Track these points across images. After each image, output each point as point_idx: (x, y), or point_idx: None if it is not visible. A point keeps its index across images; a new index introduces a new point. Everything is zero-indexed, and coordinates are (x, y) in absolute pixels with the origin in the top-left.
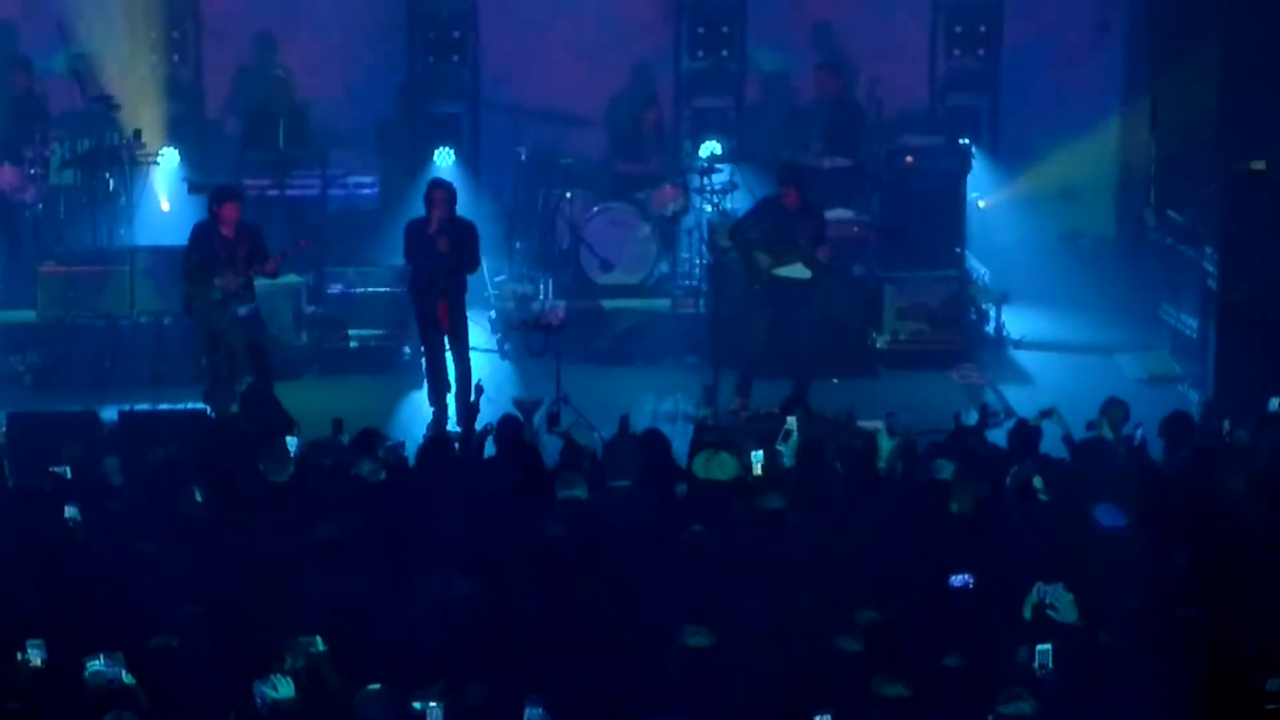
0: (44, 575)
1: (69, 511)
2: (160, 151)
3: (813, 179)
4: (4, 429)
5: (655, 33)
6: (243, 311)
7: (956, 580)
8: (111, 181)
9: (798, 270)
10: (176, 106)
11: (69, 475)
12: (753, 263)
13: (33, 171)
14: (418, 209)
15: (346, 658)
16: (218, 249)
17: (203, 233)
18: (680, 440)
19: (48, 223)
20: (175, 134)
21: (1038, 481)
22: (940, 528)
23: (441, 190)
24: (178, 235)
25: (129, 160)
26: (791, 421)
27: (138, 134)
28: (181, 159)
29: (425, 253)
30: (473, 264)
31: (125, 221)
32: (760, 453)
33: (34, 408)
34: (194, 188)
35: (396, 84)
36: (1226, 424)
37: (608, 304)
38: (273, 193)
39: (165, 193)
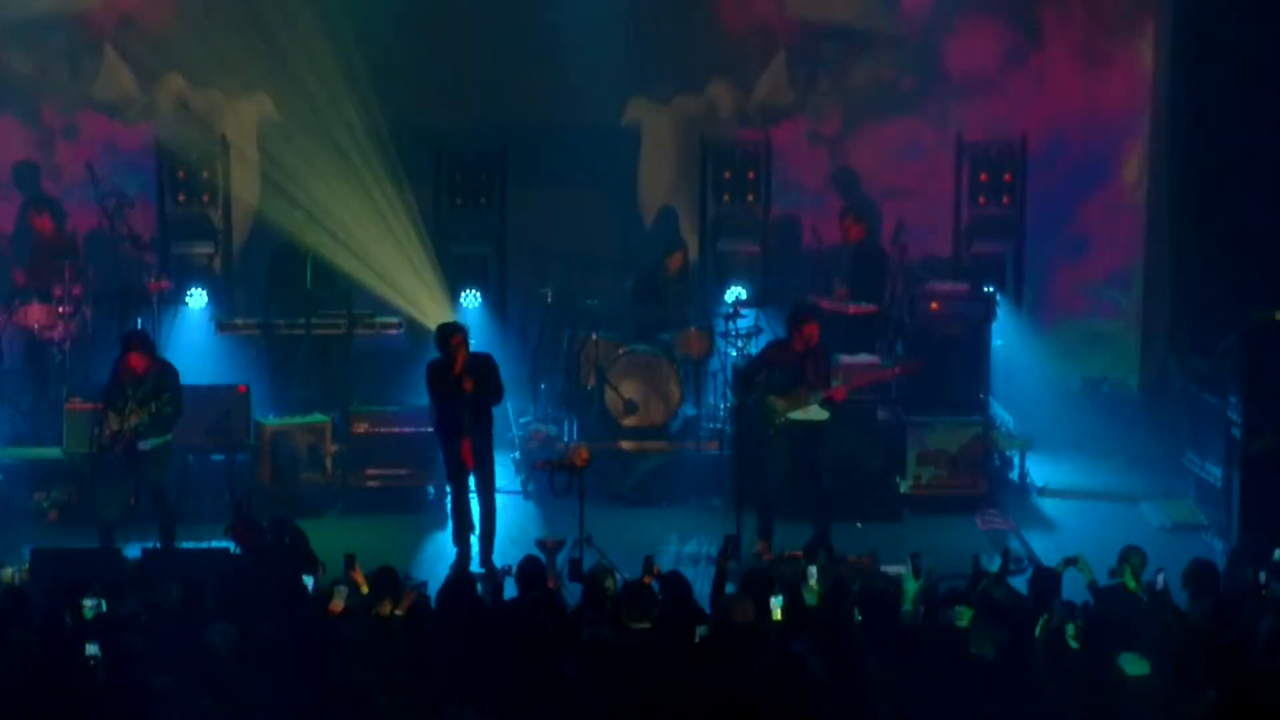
0: (64, 712)
1: (90, 649)
2: (189, 291)
3: (834, 322)
4: (28, 565)
5: (681, 177)
6: (144, 446)
7: None
8: (140, 320)
9: (813, 412)
10: (205, 246)
11: (91, 612)
12: (768, 408)
13: (61, 310)
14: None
15: None
16: (122, 386)
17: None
18: (704, 582)
19: (75, 360)
20: (204, 274)
21: (1070, 629)
22: (959, 674)
23: (459, 334)
24: (204, 374)
25: (158, 299)
26: (813, 570)
27: (167, 271)
28: (209, 298)
29: (449, 393)
30: (497, 396)
31: None
32: (780, 597)
33: (58, 544)
34: (222, 327)
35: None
36: (1263, 575)
37: (632, 445)
38: (299, 332)
39: (195, 332)
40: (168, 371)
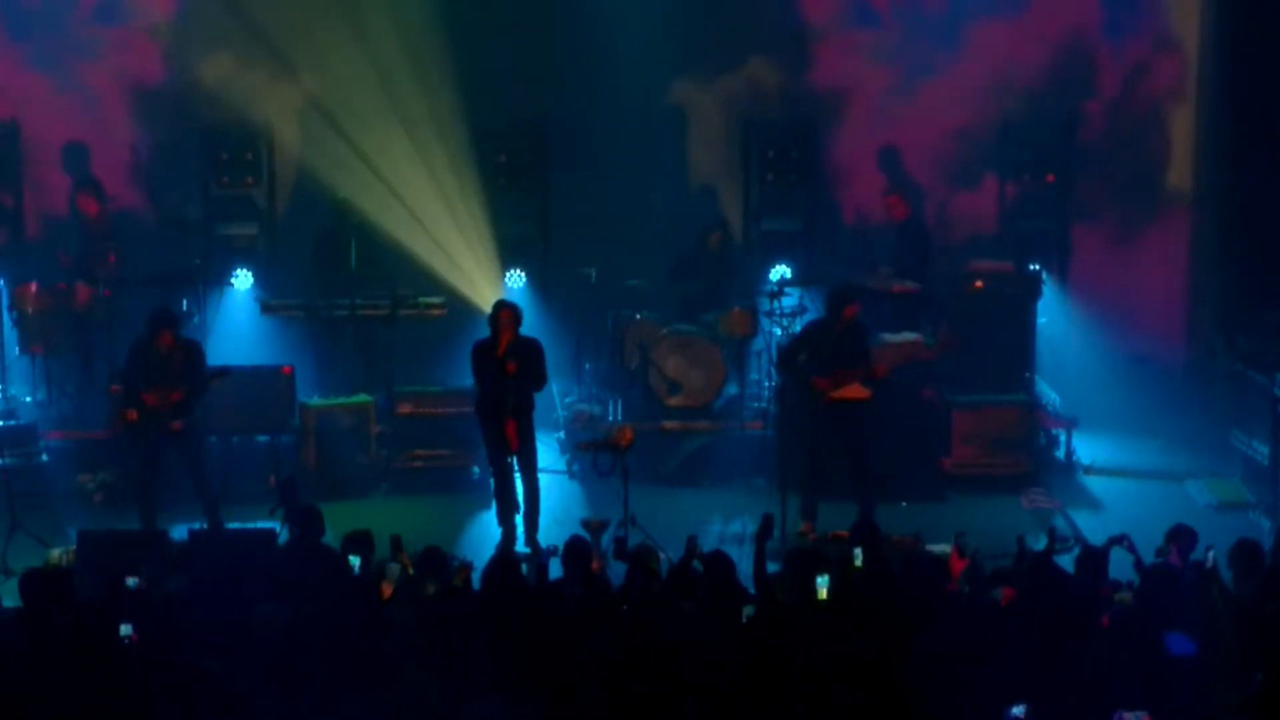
0: (108, 693)
1: (124, 629)
2: (234, 273)
3: (879, 302)
4: (74, 546)
5: (725, 155)
6: (178, 425)
7: (1015, 711)
8: (184, 302)
9: (855, 390)
10: (249, 228)
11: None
12: (810, 388)
13: (105, 292)
14: (486, 329)
15: None
16: (147, 366)
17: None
18: (748, 562)
19: (120, 343)
20: (248, 255)
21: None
22: (1003, 653)
23: (509, 311)
24: (250, 355)
25: (201, 281)
26: (858, 551)
27: (209, 253)
28: (254, 280)
29: (493, 374)
30: (540, 382)
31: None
32: (826, 576)
33: (104, 525)
34: (266, 309)
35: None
36: None
37: (676, 425)
38: (343, 313)
39: (240, 313)
40: (196, 348)
